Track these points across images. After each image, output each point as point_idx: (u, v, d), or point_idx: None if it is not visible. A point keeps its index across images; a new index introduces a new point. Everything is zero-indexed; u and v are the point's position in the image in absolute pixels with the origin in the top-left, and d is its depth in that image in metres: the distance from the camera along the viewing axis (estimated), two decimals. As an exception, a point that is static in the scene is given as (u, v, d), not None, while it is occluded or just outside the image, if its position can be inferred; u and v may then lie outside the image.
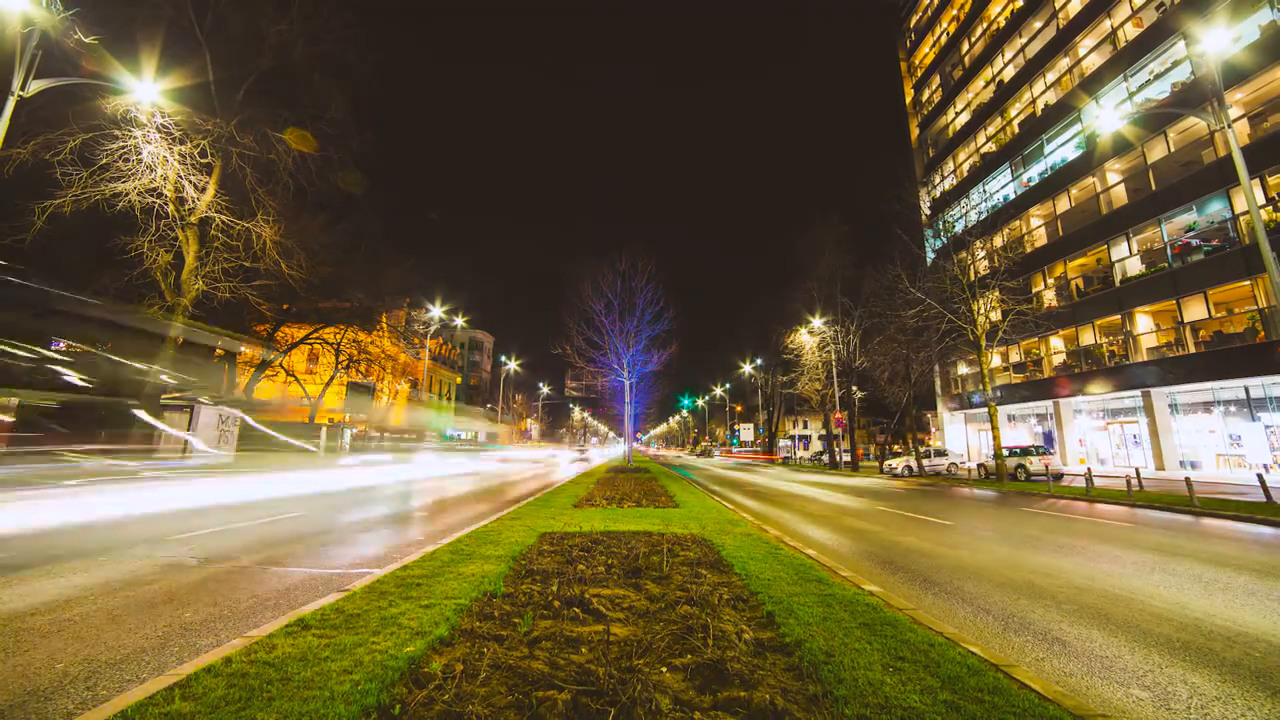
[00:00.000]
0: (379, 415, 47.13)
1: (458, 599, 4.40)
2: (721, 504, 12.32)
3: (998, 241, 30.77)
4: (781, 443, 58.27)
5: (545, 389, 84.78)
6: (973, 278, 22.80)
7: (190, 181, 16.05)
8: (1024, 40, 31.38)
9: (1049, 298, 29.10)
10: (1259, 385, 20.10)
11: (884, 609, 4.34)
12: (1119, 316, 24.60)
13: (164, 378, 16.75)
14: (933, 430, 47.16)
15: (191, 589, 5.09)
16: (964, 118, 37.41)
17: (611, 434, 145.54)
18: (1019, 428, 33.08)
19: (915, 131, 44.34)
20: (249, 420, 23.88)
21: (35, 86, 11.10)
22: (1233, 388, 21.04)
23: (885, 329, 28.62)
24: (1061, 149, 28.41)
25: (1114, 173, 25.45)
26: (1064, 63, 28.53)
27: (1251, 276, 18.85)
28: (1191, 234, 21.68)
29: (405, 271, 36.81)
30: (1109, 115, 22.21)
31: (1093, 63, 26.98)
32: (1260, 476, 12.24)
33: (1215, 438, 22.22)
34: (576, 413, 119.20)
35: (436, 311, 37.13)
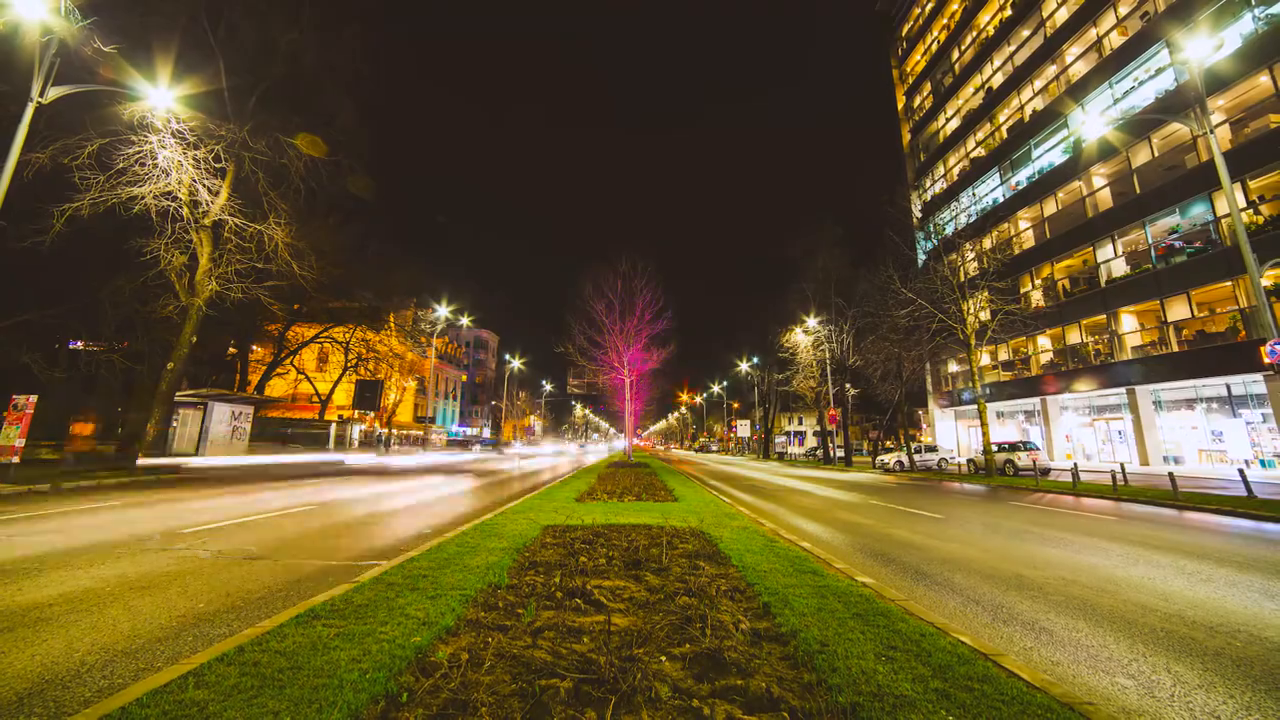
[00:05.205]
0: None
1: (463, 590, 4.45)
2: (719, 498, 12.39)
3: (987, 243, 31.11)
4: (777, 439, 58.64)
5: (548, 386, 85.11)
6: (962, 279, 23.08)
7: (204, 185, 16.30)
8: (1012, 48, 31.82)
9: (1036, 298, 29.54)
10: (1240, 383, 20.53)
11: (877, 600, 4.41)
12: (1104, 316, 25.03)
13: None
14: (924, 427, 47.63)
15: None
16: (954, 123, 37.85)
17: (612, 430, 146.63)
18: (1007, 424, 33.55)
19: (907, 137, 44.80)
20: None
21: (54, 93, 11.34)
22: (1215, 385, 21.48)
23: (878, 328, 28.88)
24: (1049, 154, 28.85)
25: (1099, 177, 25.89)
26: (1051, 70, 28.98)
27: (1233, 277, 19.26)
28: (1175, 236, 22.11)
29: (412, 272, 37.89)
30: (1095, 121, 22.65)
31: (1079, 70, 27.43)
32: (1241, 471, 12.54)
33: (1198, 434, 22.67)
34: (579, 410, 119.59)
35: (443, 311, 37.66)
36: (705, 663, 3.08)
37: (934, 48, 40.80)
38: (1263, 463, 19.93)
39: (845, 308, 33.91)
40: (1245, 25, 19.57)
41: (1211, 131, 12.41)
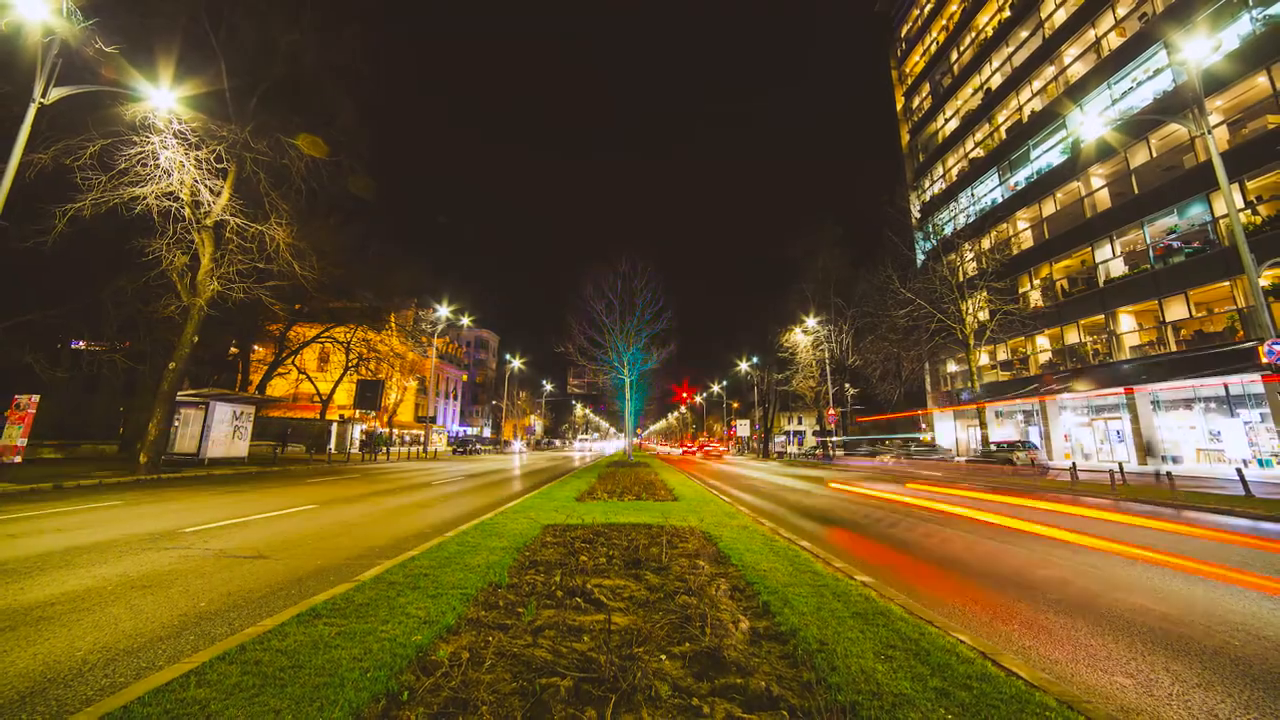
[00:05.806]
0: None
1: (464, 589, 4.46)
2: (719, 498, 12.37)
3: (985, 244, 31.22)
4: (777, 439, 58.74)
5: (549, 386, 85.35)
6: (961, 279, 23.19)
7: (206, 186, 16.36)
8: (1011, 49, 31.87)
9: (1035, 298, 29.57)
10: (1238, 383, 20.58)
11: (876, 599, 4.41)
12: (1103, 316, 25.08)
13: None
14: (923, 426, 47.63)
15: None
16: (953, 124, 37.90)
17: (612, 429, 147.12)
18: (1006, 424, 33.56)
19: (906, 138, 44.87)
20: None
21: (56, 94, 11.42)
22: (1213, 385, 21.52)
23: (877, 328, 29.00)
24: (1047, 154, 28.89)
25: (1098, 177, 25.94)
26: (1050, 71, 29.02)
27: (1231, 278, 19.31)
28: (1173, 236, 22.17)
29: (413, 273, 38.39)
30: (1093, 122, 22.67)
31: (1077, 71, 27.48)
32: (1239, 471, 12.57)
33: (1196, 433, 22.73)
34: (579, 409, 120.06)
35: (443, 311, 38.07)
36: (705, 661, 3.09)
37: (933, 49, 40.86)
38: (1260, 462, 19.98)
39: (845, 308, 34.08)
40: (1243, 26, 19.62)
41: (1209, 132, 12.44)
